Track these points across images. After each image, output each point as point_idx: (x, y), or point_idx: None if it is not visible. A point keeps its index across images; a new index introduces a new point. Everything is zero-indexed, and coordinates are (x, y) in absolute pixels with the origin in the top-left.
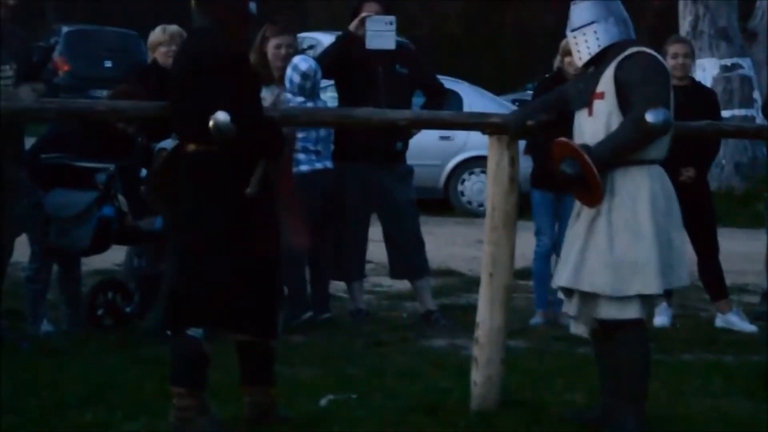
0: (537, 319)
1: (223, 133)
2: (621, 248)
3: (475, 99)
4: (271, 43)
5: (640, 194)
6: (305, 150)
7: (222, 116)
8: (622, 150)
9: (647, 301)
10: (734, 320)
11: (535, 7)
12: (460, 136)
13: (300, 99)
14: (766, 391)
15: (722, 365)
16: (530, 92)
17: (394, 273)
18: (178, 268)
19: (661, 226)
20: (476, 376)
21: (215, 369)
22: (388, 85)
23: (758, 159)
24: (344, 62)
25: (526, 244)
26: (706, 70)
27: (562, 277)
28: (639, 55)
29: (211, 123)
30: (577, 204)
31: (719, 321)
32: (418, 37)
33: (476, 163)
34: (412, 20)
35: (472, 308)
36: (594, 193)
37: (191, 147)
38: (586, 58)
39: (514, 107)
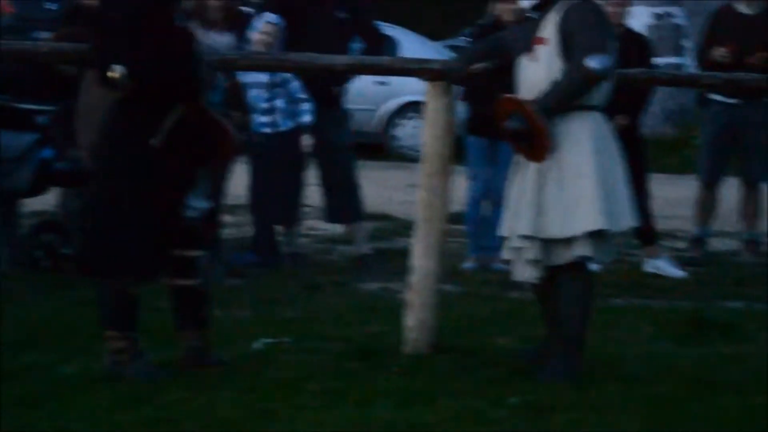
0: (469, 263)
1: (120, 85)
2: (569, 191)
3: (411, 44)
4: None
5: (583, 138)
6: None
7: (118, 69)
8: (566, 97)
9: (597, 241)
10: (663, 265)
11: None
12: (396, 81)
13: None
14: (694, 336)
15: (651, 310)
16: (465, 38)
17: (329, 216)
18: (93, 214)
19: (606, 168)
20: (410, 320)
21: (151, 312)
22: (328, 29)
23: (686, 107)
24: (288, 6)
25: (460, 189)
26: (639, 18)
27: (521, 226)
28: (583, 3)
29: (108, 74)
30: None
31: (648, 266)
32: None
33: (411, 108)
34: None
35: (406, 252)
36: (543, 148)
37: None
38: (532, 1)
39: (450, 53)
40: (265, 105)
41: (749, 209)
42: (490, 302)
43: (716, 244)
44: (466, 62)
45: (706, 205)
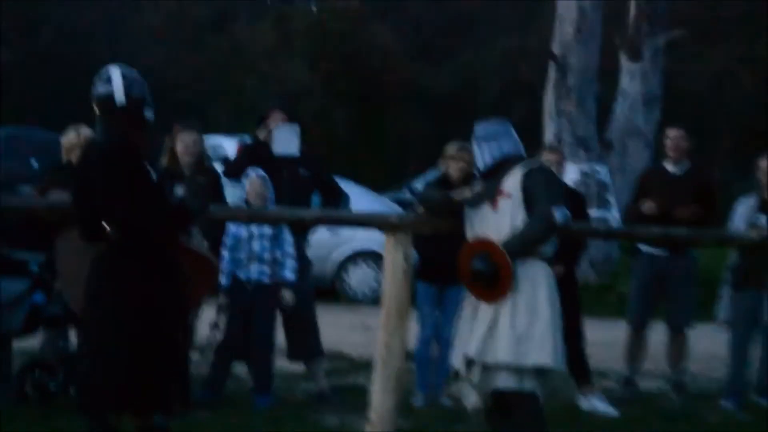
0: (418, 399)
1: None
2: (522, 326)
3: (360, 198)
4: (179, 141)
5: (539, 283)
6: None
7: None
8: (529, 243)
9: (542, 378)
10: (597, 403)
11: (412, 116)
12: (345, 231)
13: None
14: None
15: None
16: (407, 192)
17: (292, 354)
18: (90, 357)
19: (555, 311)
20: None
21: None
22: (293, 186)
23: (611, 256)
24: (255, 165)
25: (410, 331)
26: (569, 174)
27: (470, 349)
28: (541, 166)
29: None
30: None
31: (583, 403)
32: (310, 141)
33: (361, 255)
34: (305, 128)
35: (360, 389)
36: (504, 288)
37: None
38: (489, 162)
39: (396, 206)
40: (267, 255)
41: (675, 353)
42: None
43: (645, 384)
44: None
45: (635, 348)
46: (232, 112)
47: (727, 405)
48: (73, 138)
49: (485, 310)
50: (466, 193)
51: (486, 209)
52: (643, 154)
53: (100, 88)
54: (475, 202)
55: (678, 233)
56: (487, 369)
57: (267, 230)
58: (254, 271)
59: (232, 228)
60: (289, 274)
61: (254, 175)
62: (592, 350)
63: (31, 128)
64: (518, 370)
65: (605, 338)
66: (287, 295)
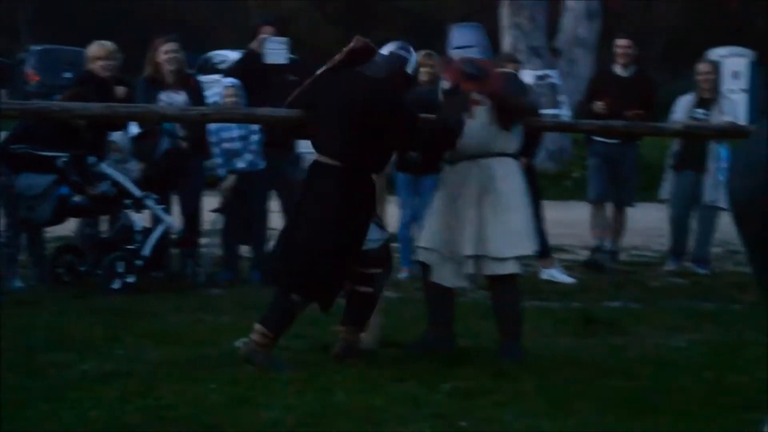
0: (403, 274)
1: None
2: (504, 220)
3: None
4: (161, 51)
5: (513, 178)
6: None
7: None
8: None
9: (521, 260)
10: (556, 274)
11: (391, 34)
12: None
13: None
14: (585, 331)
15: (550, 310)
16: None
17: None
18: (298, 245)
19: (528, 203)
20: None
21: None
22: (282, 90)
23: (565, 147)
24: (248, 73)
25: (392, 215)
26: (525, 79)
27: (466, 248)
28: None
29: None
30: (451, 190)
31: (544, 275)
32: (303, 57)
33: None
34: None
35: None
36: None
37: (325, 159)
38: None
39: None
40: (247, 149)
41: (617, 227)
42: (422, 306)
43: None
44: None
45: (599, 220)
46: (235, 30)
47: (670, 267)
48: (97, 49)
49: (467, 207)
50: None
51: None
52: (587, 60)
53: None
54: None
55: (616, 125)
56: (479, 259)
57: (241, 129)
58: (240, 162)
59: (212, 125)
60: (242, 164)
61: (229, 83)
62: (550, 229)
63: (61, 46)
64: (503, 259)
65: (562, 218)
66: (230, 181)
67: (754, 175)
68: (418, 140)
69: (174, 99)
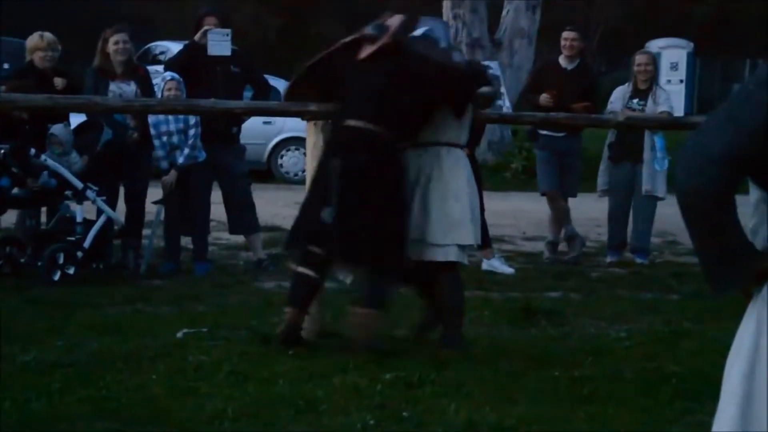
0: None
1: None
2: (449, 209)
3: None
4: (111, 42)
5: (460, 169)
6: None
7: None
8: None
9: (462, 250)
10: (496, 264)
11: (332, 24)
12: (278, 121)
13: None
14: (525, 321)
15: (490, 300)
16: None
17: (232, 229)
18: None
19: (474, 193)
20: None
21: None
22: (225, 81)
23: (504, 138)
24: (191, 65)
25: None
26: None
27: (412, 233)
28: None
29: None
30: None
31: (484, 265)
32: (245, 45)
33: (291, 141)
34: (240, 33)
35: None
36: None
37: (358, 123)
38: None
39: None
40: (187, 142)
41: (561, 218)
42: None
43: (532, 247)
44: None
45: (558, 213)
46: (177, 21)
47: (611, 259)
48: (37, 40)
49: (415, 193)
50: None
51: None
52: (528, 51)
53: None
54: None
55: (557, 117)
56: (421, 244)
57: (179, 123)
58: (179, 157)
59: (152, 119)
60: (181, 158)
61: (169, 77)
62: (490, 219)
63: (2, 38)
64: (443, 246)
65: (502, 208)
66: (171, 176)
67: (704, 168)
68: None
69: (124, 89)
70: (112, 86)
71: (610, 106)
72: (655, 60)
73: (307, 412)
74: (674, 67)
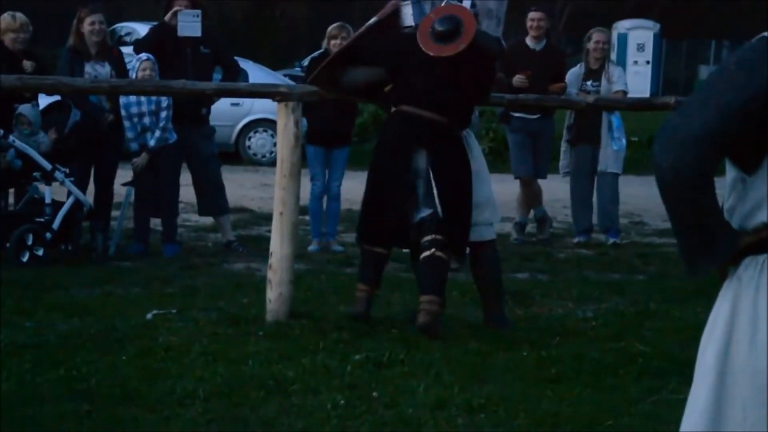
0: (313, 246)
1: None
2: (477, 190)
3: (257, 74)
4: (86, 22)
5: (477, 151)
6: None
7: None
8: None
9: (492, 227)
10: None
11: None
12: (246, 102)
13: None
14: None
15: (457, 282)
16: (298, 69)
17: (201, 211)
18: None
19: (488, 174)
20: (270, 294)
21: None
22: (195, 63)
23: (473, 120)
24: (161, 45)
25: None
26: None
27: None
28: None
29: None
30: None
31: None
32: (211, 26)
33: (259, 123)
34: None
35: (263, 238)
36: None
37: (427, 114)
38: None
39: (289, 80)
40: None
41: (531, 199)
42: (332, 277)
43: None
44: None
45: (526, 196)
46: (140, 1)
47: (579, 239)
48: (9, 21)
49: None
50: None
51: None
52: (495, 32)
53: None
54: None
55: (526, 99)
56: None
57: (151, 104)
58: (150, 140)
59: (122, 100)
60: (152, 141)
61: (144, 57)
62: None
63: None
64: (480, 225)
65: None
66: (142, 159)
67: (684, 148)
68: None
69: (99, 71)
70: (87, 67)
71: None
72: (609, 39)
73: (278, 392)
74: (641, 48)
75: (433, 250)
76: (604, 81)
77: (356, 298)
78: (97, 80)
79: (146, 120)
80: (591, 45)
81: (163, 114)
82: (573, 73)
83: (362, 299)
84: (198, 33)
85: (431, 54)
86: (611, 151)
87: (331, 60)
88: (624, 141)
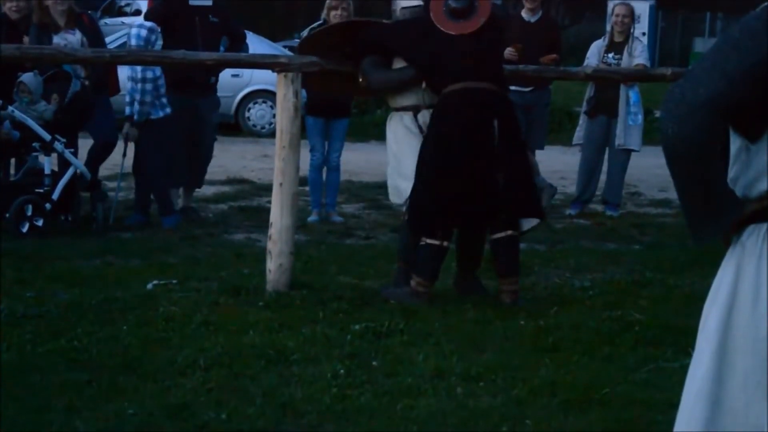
0: (313, 217)
1: None
2: None
3: (256, 44)
4: None
5: None
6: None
7: None
8: None
9: None
10: None
11: None
12: (246, 73)
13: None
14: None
15: (453, 252)
16: (297, 40)
17: (200, 182)
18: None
19: None
20: (270, 264)
21: None
22: (205, 32)
23: None
24: (170, 14)
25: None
26: None
27: None
28: None
29: None
30: None
31: None
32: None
33: (259, 94)
34: None
35: (263, 209)
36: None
37: (483, 84)
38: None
39: (288, 51)
40: (147, 97)
41: None
42: (332, 248)
43: None
44: None
45: None
46: None
47: (573, 211)
48: None
49: None
50: None
51: None
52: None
53: None
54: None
55: (525, 71)
56: None
57: (146, 74)
58: (137, 109)
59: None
60: (136, 115)
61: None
62: None
63: None
64: None
65: None
66: (126, 128)
67: (690, 116)
68: None
69: (69, 39)
70: (56, 38)
71: (586, 62)
72: (633, 11)
73: (278, 362)
74: (637, 19)
75: (509, 231)
76: (625, 54)
77: (416, 292)
78: (99, 50)
79: (149, 87)
80: (612, 17)
81: (147, 86)
82: (596, 45)
83: (424, 294)
84: (209, 2)
85: (452, 33)
86: (627, 126)
87: (327, 29)
88: (641, 117)
